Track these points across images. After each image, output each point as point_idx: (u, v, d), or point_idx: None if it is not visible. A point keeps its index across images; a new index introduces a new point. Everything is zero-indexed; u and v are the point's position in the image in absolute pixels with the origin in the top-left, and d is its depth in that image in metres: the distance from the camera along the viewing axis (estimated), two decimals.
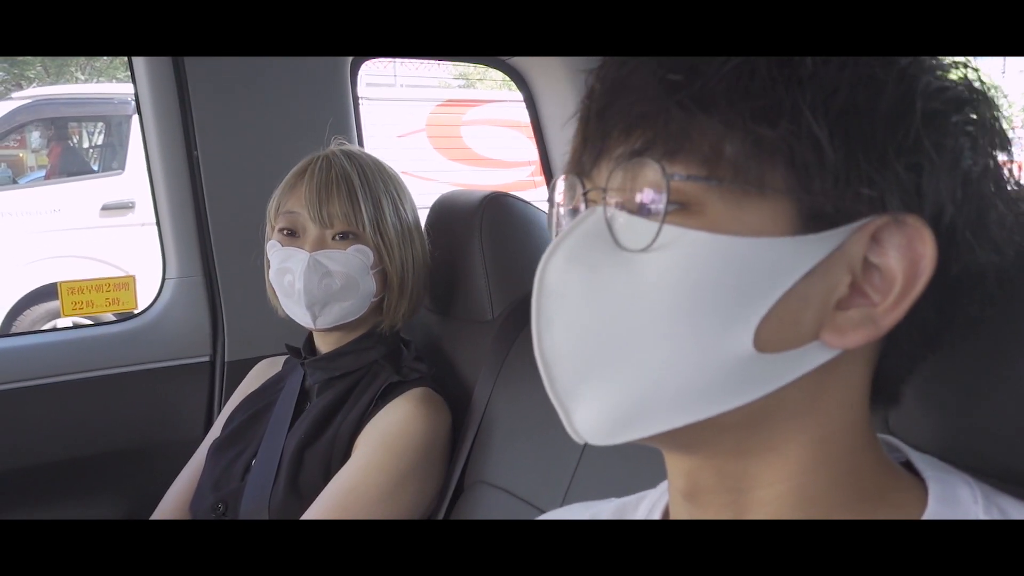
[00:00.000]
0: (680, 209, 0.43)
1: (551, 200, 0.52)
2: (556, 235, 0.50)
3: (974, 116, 0.44)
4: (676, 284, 0.42)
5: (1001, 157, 0.45)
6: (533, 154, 1.86)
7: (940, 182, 0.43)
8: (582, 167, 0.48)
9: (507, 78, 1.76)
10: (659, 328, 0.43)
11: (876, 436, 0.49)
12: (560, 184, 0.51)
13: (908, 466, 0.51)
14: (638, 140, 0.44)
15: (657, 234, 0.42)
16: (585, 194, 0.48)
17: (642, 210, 0.44)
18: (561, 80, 1.62)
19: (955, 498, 0.46)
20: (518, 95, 1.76)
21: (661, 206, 0.42)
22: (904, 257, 0.43)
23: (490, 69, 1.85)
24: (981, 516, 0.45)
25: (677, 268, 0.42)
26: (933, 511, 0.46)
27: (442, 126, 5.59)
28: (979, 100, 0.44)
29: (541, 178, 1.82)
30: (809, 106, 0.41)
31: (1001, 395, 0.53)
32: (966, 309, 0.47)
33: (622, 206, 0.45)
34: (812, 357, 0.44)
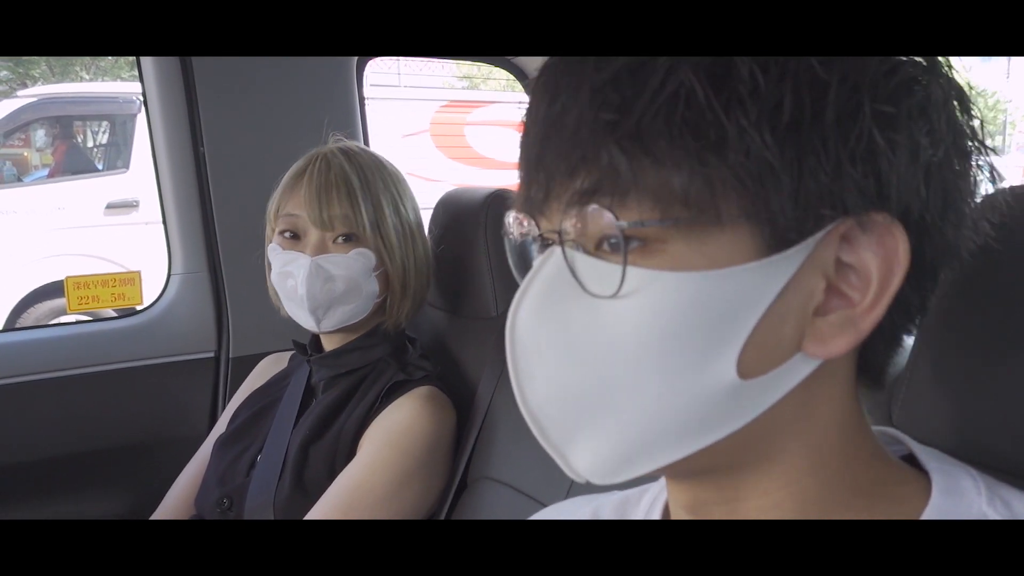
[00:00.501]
0: (642, 247, 0.41)
1: (506, 231, 0.50)
2: (514, 261, 0.50)
3: (926, 98, 0.42)
4: (650, 328, 0.41)
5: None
6: None
7: (901, 179, 0.41)
8: (533, 205, 0.46)
9: (511, 79, 1.76)
10: (640, 373, 0.42)
11: (869, 428, 0.49)
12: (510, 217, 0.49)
13: (912, 459, 0.51)
14: (584, 182, 0.42)
15: (622, 280, 0.41)
16: (541, 235, 0.46)
17: (601, 252, 0.43)
18: None
19: (959, 490, 0.46)
20: (522, 96, 1.76)
21: (620, 251, 0.41)
22: (876, 254, 0.42)
23: (495, 70, 1.85)
24: (985, 508, 0.45)
25: (649, 312, 0.41)
26: (936, 503, 0.45)
27: (447, 125, 5.59)
28: (929, 79, 0.42)
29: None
30: (755, 126, 0.39)
31: (1005, 389, 0.53)
32: (938, 286, 0.46)
33: (580, 247, 0.44)
34: (798, 370, 0.43)
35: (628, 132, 0.40)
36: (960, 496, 0.46)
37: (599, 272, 0.43)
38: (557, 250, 0.44)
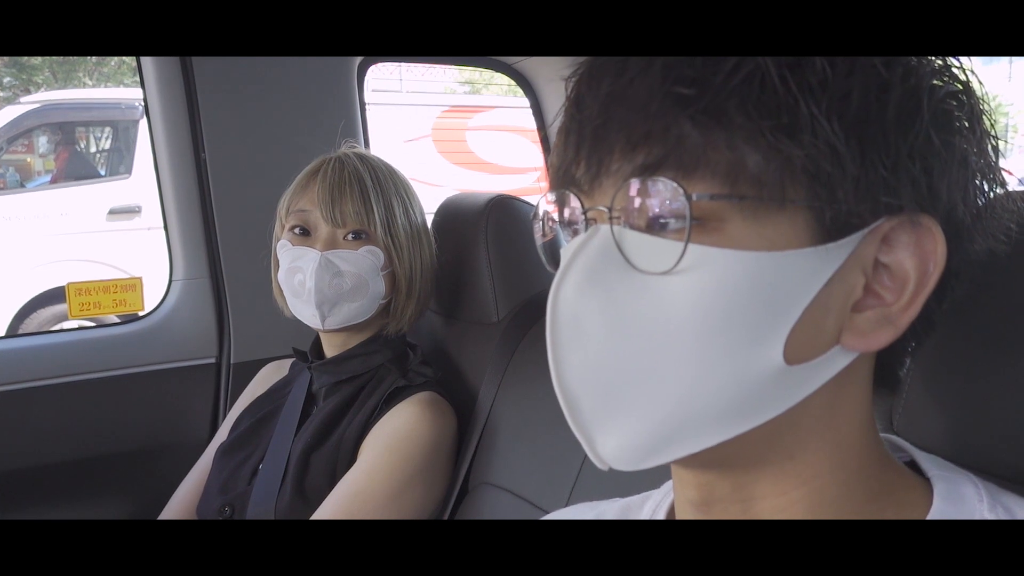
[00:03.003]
0: (698, 226, 0.41)
1: (537, 214, 0.50)
2: (543, 247, 0.50)
3: (971, 107, 0.44)
4: (704, 306, 0.41)
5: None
6: (539, 160, 1.86)
7: (952, 181, 0.43)
8: (577, 183, 0.46)
9: (512, 84, 1.77)
10: (687, 351, 0.42)
11: (879, 433, 0.49)
12: (548, 196, 0.49)
13: (913, 465, 0.51)
14: (646, 157, 0.42)
15: (681, 256, 0.41)
16: (585, 212, 0.46)
17: (656, 229, 0.42)
18: (568, 86, 1.62)
19: (960, 496, 0.46)
20: (524, 101, 1.76)
21: (683, 225, 0.41)
22: (914, 255, 0.43)
23: (496, 74, 1.85)
24: (986, 514, 0.45)
25: (704, 289, 0.41)
26: (938, 510, 0.46)
27: (448, 131, 5.60)
28: (973, 95, 0.44)
29: (547, 184, 1.82)
30: (825, 115, 0.40)
31: (1006, 396, 0.53)
32: (955, 292, 0.47)
33: (631, 225, 0.43)
34: (835, 362, 0.44)
35: (704, 107, 0.41)
36: (962, 503, 0.46)
37: (651, 248, 0.42)
38: (602, 227, 0.44)
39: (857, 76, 0.41)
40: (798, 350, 0.42)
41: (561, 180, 0.47)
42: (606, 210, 0.44)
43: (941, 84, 0.43)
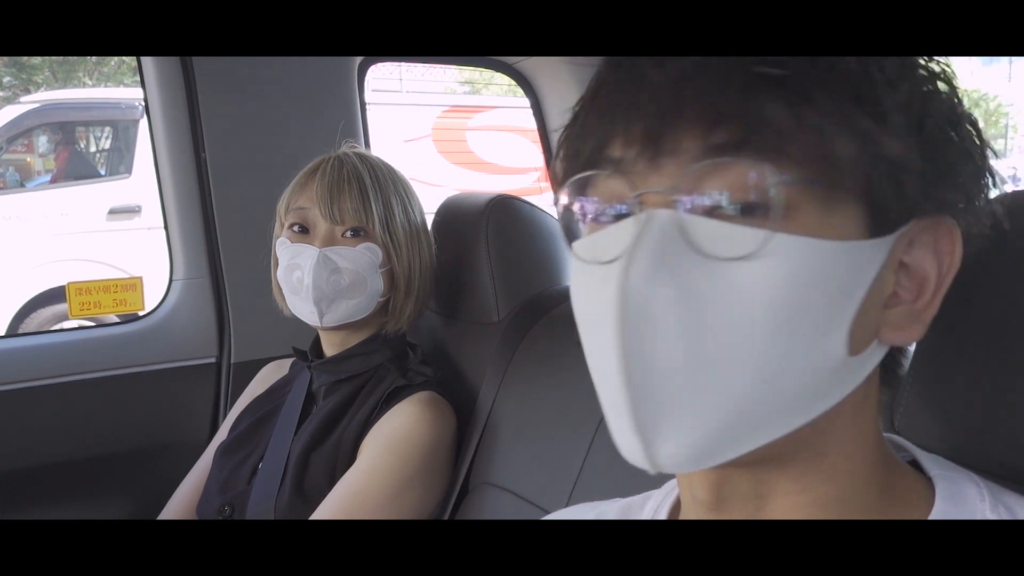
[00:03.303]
0: (766, 212, 0.40)
1: (564, 204, 0.47)
2: (570, 240, 0.47)
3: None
4: (781, 293, 0.40)
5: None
6: (539, 160, 1.86)
7: (981, 182, 0.45)
8: (623, 164, 0.43)
9: (512, 84, 1.77)
10: (761, 342, 0.40)
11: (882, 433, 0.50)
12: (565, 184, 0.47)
13: (914, 465, 0.51)
14: (728, 136, 0.40)
15: (765, 241, 0.39)
16: (639, 196, 0.43)
17: (727, 213, 0.41)
18: (568, 85, 1.62)
19: (962, 496, 0.46)
20: (524, 101, 1.76)
21: (765, 211, 0.40)
22: (933, 255, 0.44)
23: (496, 75, 1.85)
24: (988, 514, 0.45)
25: (781, 276, 0.40)
26: (940, 509, 0.46)
27: (448, 130, 5.60)
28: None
29: (547, 184, 1.82)
30: (901, 110, 0.41)
31: (1006, 395, 0.53)
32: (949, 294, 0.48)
33: (696, 209, 0.41)
34: (874, 356, 0.45)
35: (794, 89, 0.40)
36: (963, 502, 0.46)
37: (721, 233, 0.40)
38: (660, 211, 0.41)
39: (908, 78, 0.42)
40: (855, 341, 0.43)
41: (594, 161, 0.45)
42: (668, 192, 0.42)
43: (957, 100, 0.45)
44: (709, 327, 0.40)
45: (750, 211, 0.40)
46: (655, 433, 0.41)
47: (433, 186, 4.94)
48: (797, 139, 0.40)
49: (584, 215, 0.47)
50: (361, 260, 1.13)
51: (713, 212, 0.41)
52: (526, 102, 1.76)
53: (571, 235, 0.48)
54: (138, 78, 1.48)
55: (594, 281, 0.44)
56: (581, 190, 0.46)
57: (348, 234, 1.13)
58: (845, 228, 0.41)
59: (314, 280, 1.10)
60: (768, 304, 0.40)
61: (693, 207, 0.41)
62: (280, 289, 1.19)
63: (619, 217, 0.45)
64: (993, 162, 0.46)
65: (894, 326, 0.45)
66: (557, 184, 0.48)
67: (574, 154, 0.46)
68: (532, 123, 1.77)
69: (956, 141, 0.43)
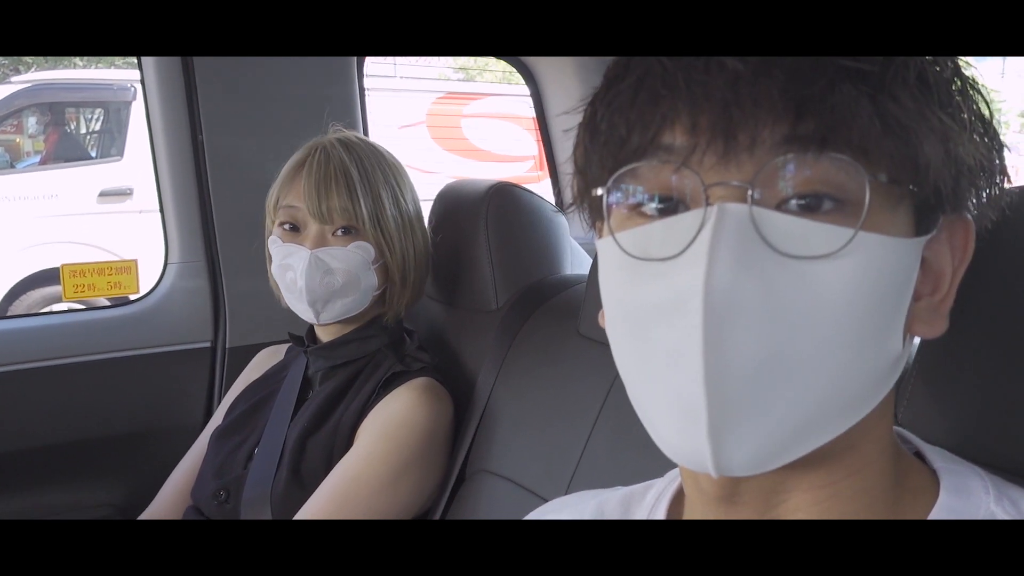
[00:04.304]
0: (839, 207, 0.40)
1: (608, 189, 0.45)
2: (599, 232, 0.47)
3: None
4: (858, 292, 0.40)
5: None
6: (534, 148, 1.86)
7: (996, 184, 0.45)
8: (689, 154, 0.41)
9: (508, 71, 1.76)
10: (837, 339, 0.40)
11: None
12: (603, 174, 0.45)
13: (918, 457, 0.51)
14: (808, 129, 0.39)
15: (850, 240, 0.39)
16: (705, 189, 0.41)
17: (804, 209, 0.40)
18: (570, 76, 1.61)
19: (967, 489, 0.47)
20: (519, 89, 1.75)
21: (850, 208, 0.40)
22: (947, 250, 0.45)
23: (492, 61, 1.84)
24: (992, 507, 0.45)
25: (860, 275, 0.40)
26: (944, 502, 0.46)
27: (443, 117, 5.57)
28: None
29: (544, 172, 1.81)
30: (966, 109, 0.42)
31: (1009, 389, 0.53)
32: None
33: (766, 204, 0.40)
34: (908, 350, 0.46)
35: (877, 84, 0.39)
36: (968, 495, 0.46)
37: (798, 231, 0.40)
38: (734, 207, 0.40)
39: (960, 75, 0.43)
40: (903, 336, 0.44)
41: (641, 150, 0.42)
42: (743, 185, 0.40)
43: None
44: (787, 326, 0.40)
45: (829, 208, 0.40)
46: (728, 436, 0.40)
47: (428, 173, 4.93)
48: (884, 137, 0.39)
49: (613, 205, 0.45)
50: (353, 260, 1.12)
51: (784, 207, 0.40)
52: (521, 90, 1.75)
53: (598, 226, 0.47)
54: (131, 59, 1.47)
55: (649, 276, 0.42)
56: (621, 179, 0.44)
57: (339, 233, 1.12)
58: (905, 226, 0.42)
59: (307, 283, 1.10)
60: (846, 303, 0.40)
61: (765, 201, 0.40)
62: (276, 283, 1.18)
63: (664, 211, 0.43)
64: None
65: (922, 320, 0.45)
66: (588, 172, 0.46)
67: (617, 141, 0.43)
68: (527, 111, 1.76)
69: (985, 142, 0.44)
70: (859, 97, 0.39)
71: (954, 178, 0.42)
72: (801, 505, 0.46)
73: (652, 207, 0.44)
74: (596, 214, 0.48)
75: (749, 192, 0.40)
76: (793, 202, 0.40)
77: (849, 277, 0.40)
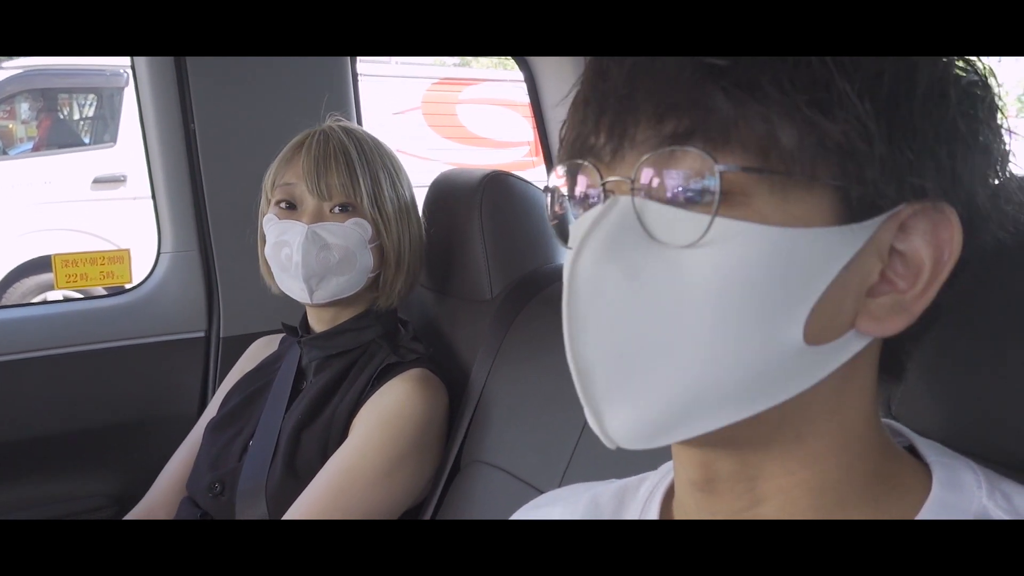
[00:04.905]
0: (724, 199, 0.41)
1: (549, 187, 0.50)
2: (553, 221, 0.50)
3: (993, 99, 0.45)
4: (728, 280, 0.41)
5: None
6: (529, 134, 1.85)
7: (974, 168, 0.43)
8: (596, 154, 0.45)
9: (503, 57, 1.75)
10: (707, 327, 0.41)
11: (880, 419, 0.50)
12: (559, 169, 0.49)
13: (912, 451, 0.51)
14: (675, 127, 0.42)
15: (708, 228, 0.41)
16: (603, 184, 0.45)
17: (680, 201, 0.42)
18: (564, 62, 1.60)
19: (959, 483, 0.46)
20: (514, 74, 1.75)
21: (710, 198, 0.41)
22: (929, 243, 0.43)
23: None
24: (985, 501, 0.45)
25: (729, 263, 0.41)
26: (937, 496, 0.46)
27: (438, 103, 5.54)
28: (990, 89, 0.45)
29: (539, 158, 1.81)
30: (858, 93, 0.40)
31: (1004, 382, 0.53)
32: (960, 284, 0.47)
33: (652, 196, 0.43)
34: (849, 346, 0.44)
35: (737, 79, 0.41)
36: (960, 489, 0.46)
37: (674, 220, 0.42)
38: (622, 198, 0.43)
39: (888, 57, 0.41)
40: (817, 331, 0.42)
41: (577, 150, 0.47)
42: (627, 180, 0.43)
43: (964, 74, 0.44)
44: (655, 310, 0.42)
45: (699, 199, 0.42)
46: (605, 408, 0.44)
47: (423, 159, 4.91)
48: (740, 128, 0.41)
49: (567, 201, 0.49)
50: (351, 236, 1.11)
51: (673, 199, 0.42)
52: (516, 75, 1.74)
53: (564, 223, 0.50)
54: None
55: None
56: (572, 178, 0.48)
57: (336, 210, 1.12)
58: (807, 215, 0.41)
59: (303, 257, 1.09)
60: (714, 289, 0.41)
61: (651, 195, 0.43)
62: (268, 267, 1.17)
63: (593, 204, 0.47)
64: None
65: (873, 317, 0.44)
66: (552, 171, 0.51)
67: (566, 143, 0.48)
68: (523, 97, 1.75)
69: (944, 124, 0.42)
70: (718, 92, 0.41)
71: (850, 166, 0.41)
72: (770, 492, 0.47)
73: (589, 203, 0.47)
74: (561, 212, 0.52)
75: (631, 185, 0.43)
76: (669, 194, 0.42)
77: (714, 264, 0.41)
